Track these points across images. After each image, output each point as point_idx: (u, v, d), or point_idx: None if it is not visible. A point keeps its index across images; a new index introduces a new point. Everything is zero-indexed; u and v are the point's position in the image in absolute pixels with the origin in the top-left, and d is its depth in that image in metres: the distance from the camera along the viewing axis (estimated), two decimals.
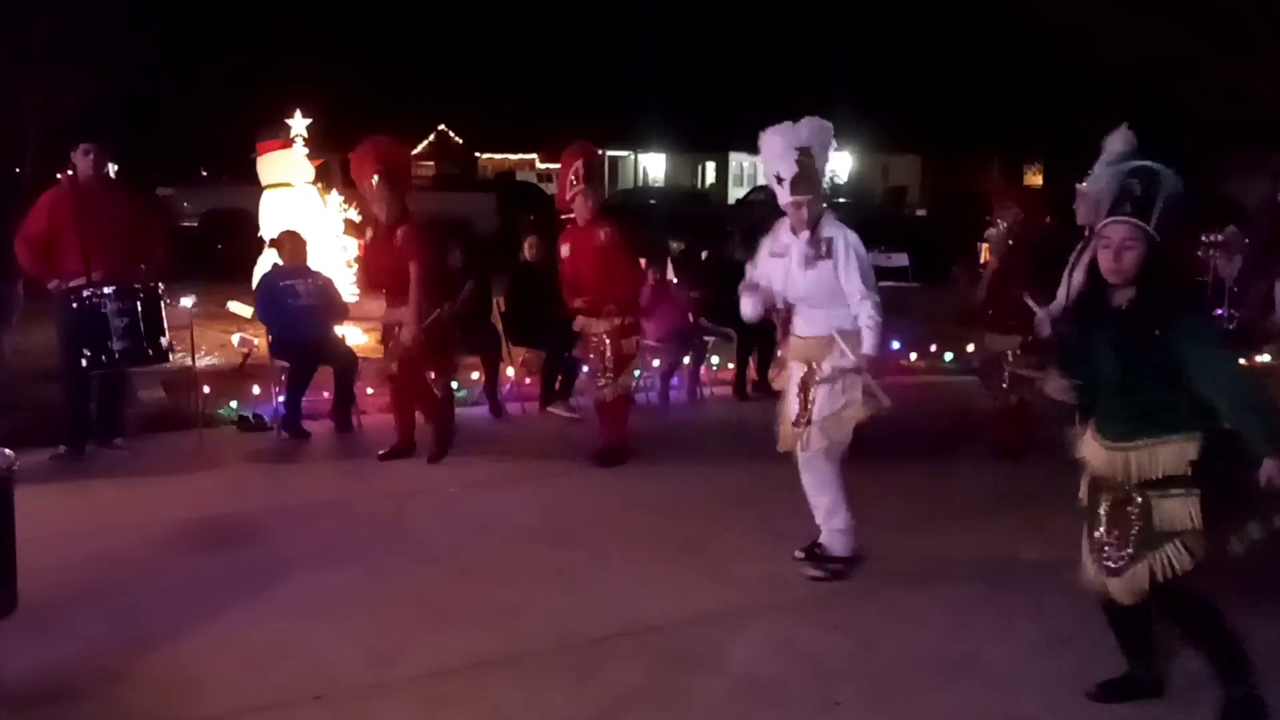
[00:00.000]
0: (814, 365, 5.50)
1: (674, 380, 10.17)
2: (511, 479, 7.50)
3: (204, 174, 28.71)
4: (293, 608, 5.13)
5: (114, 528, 6.26)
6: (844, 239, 5.45)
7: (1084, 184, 5.92)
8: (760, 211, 26.04)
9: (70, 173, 7.73)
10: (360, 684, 4.41)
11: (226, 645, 4.72)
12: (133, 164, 17.02)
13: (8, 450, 4.22)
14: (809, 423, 5.49)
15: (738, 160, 50.56)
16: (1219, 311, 8.34)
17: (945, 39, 32.35)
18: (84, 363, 7.32)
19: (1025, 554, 5.99)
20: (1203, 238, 9.11)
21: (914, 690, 4.44)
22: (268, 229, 11.13)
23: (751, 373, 10.39)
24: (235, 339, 10.49)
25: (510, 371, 9.68)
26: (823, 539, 5.64)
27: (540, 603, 5.25)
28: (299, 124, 11.64)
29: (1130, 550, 3.97)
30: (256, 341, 9.80)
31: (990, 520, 6.53)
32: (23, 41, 18.53)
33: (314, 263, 9.42)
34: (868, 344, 5.36)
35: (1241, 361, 4.30)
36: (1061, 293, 6.00)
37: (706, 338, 10.37)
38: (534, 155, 49.29)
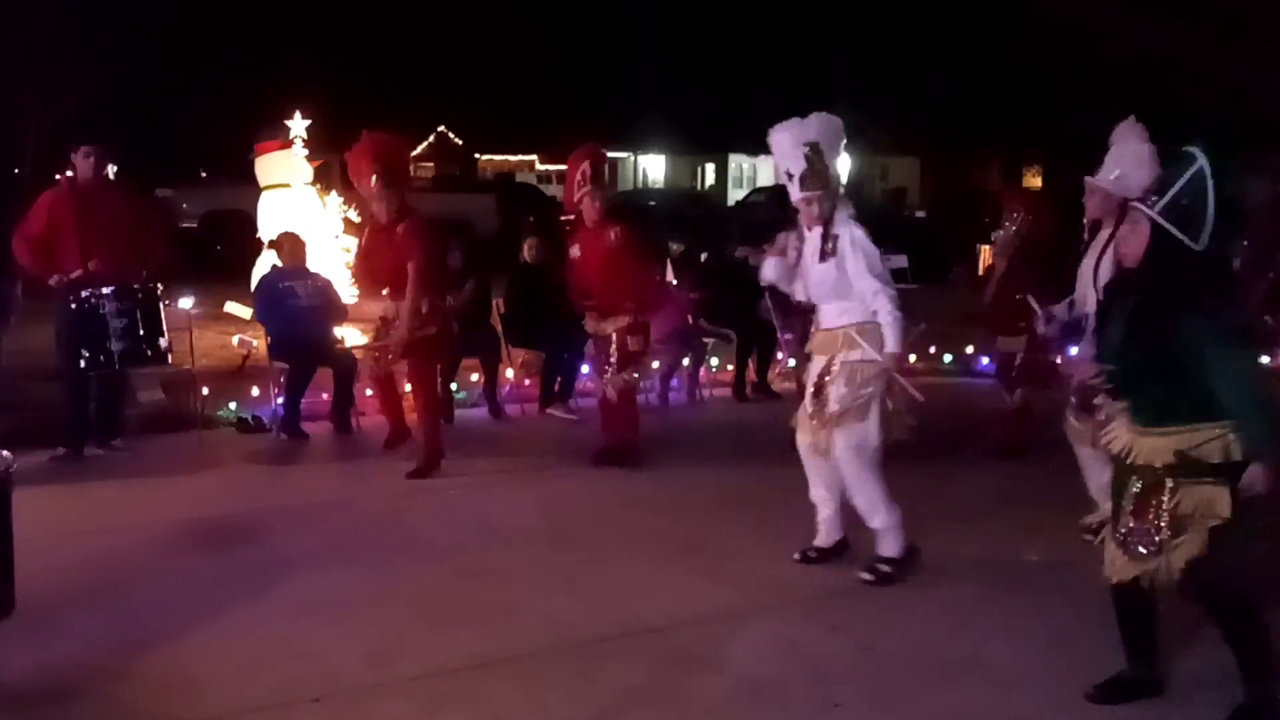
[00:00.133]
0: (831, 359, 5.49)
1: (673, 381, 10.17)
2: (511, 480, 7.49)
3: (203, 175, 28.72)
4: (292, 608, 5.12)
5: (113, 528, 6.26)
6: (849, 235, 5.42)
7: (1094, 176, 5.92)
8: (760, 213, 26.10)
9: (70, 173, 7.73)
10: (360, 684, 4.40)
11: (226, 645, 4.71)
12: (132, 164, 17.00)
13: (6, 451, 4.22)
14: (826, 422, 5.46)
15: (737, 162, 50.57)
16: None
17: (944, 40, 32.36)
18: (83, 363, 7.31)
19: (1026, 554, 6.00)
20: None
21: (914, 690, 4.43)
22: (266, 230, 11.14)
23: (751, 374, 10.39)
24: (235, 340, 10.49)
25: (509, 373, 9.68)
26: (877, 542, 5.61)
27: (540, 603, 5.25)
28: (298, 125, 11.64)
29: (1160, 537, 3.97)
30: (255, 343, 9.80)
31: (991, 521, 6.53)
32: (23, 42, 18.54)
33: (313, 264, 9.42)
34: (890, 341, 5.33)
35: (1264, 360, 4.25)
36: (1079, 288, 6.00)
37: (706, 339, 10.36)
38: (534, 156, 49.34)
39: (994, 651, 4.77)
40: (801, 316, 7.41)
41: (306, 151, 11.71)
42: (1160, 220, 3.90)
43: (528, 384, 9.73)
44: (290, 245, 9.04)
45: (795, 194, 5.55)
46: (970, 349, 11.23)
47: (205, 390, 8.67)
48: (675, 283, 10.57)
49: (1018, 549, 6.05)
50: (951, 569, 5.69)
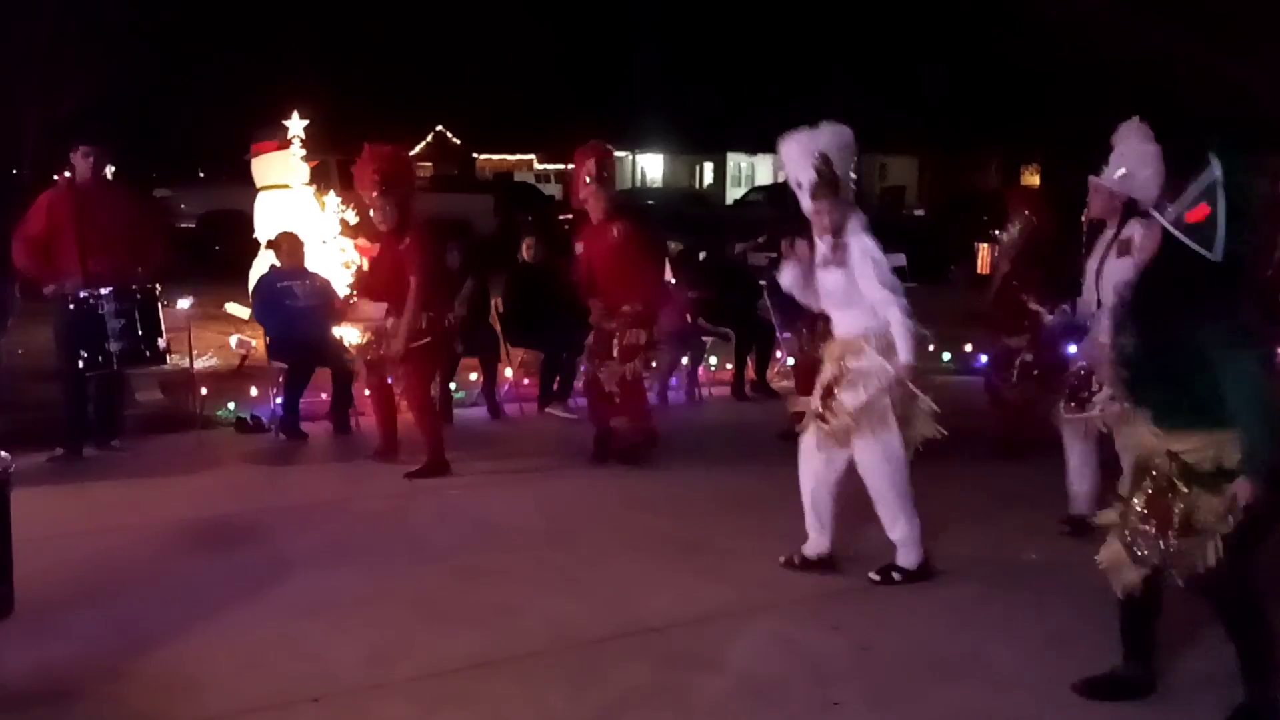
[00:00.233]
0: (842, 366, 5.48)
1: (673, 380, 10.17)
2: (510, 479, 7.49)
3: (201, 175, 28.67)
4: (291, 608, 5.12)
5: (112, 528, 6.25)
6: (858, 246, 5.42)
7: (1098, 176, 5.92)
8: (758, 212, 26.10)
9: (69, 174, 7.72)
10: (360, 684, 4.40)
11: (225, 645, 4.71)
12: (130, 165, 17.00)
13: (4, 452, 4.22)
14: (835, 419, 5.45)
15: (735, 161, 50.56)
16: None
17: (943, 39, 32.36)
18: (81, 364, 7.31)
19: (1026, 554, 6.00)
20: None
21: (914, 690, 4.43)
22: (262, 230, 11.13)
23: (750, 373, 10.39)
24: (233, 340, 10.48)
25: (509, 372, 9.68)
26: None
27: (540, 603, 5.25)
28: (296, 125, 11.62)
29: (1166, 542, 3.96)
30: (254, 343, 9.79)
31: (991, 520, 6.54)
32: (21, 42, 18.50)
33: (311, 264, 9.41)
34: (903, 351, 5.32)
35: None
36: (1085, 289, 6.00)
37: (705, 338, 10.37)
38: (532, 156, 49.26)
39: (993, 651, 4.77)
40: (806, 317, 7.42)
41: (304, 151, 11.69)
42: (1173, 230, 3.90)
43: (527, 383, 9.73)
44: (289, 245, 9.03)
45: (806, 203, 5.54)
46: (969, 347, 11.22)
47: (204, 390, 8.67)
48: (674, 282, 10.57)
49: (1017, 549, 6.06)
50: (951, 568, 5.69)
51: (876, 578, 5.52)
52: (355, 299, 8.78)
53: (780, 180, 38.37)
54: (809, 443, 5.62)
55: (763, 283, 10.48)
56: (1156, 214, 4.04)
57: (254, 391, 9.04)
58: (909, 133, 40.94)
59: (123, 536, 6.10)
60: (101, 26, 18.99)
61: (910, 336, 5.33)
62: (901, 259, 18.67)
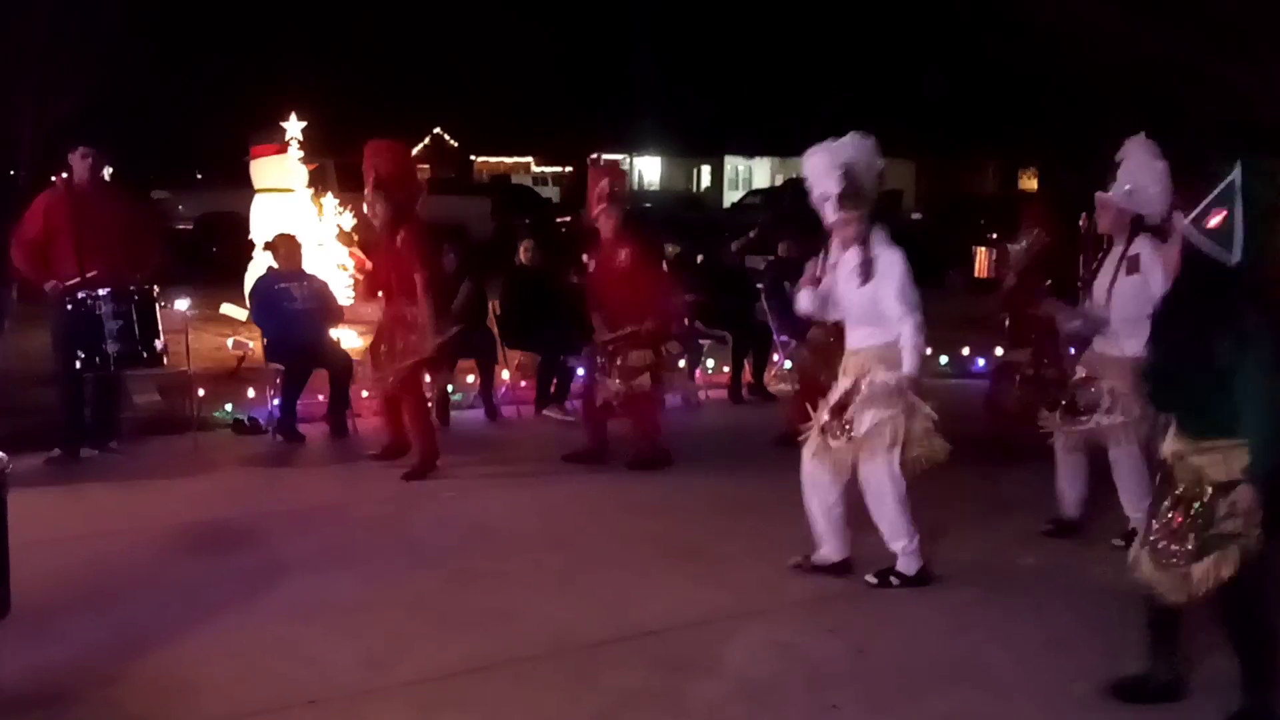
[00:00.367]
0: (859, 380, 5.47)
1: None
2: (507, 483, 7.49)
3: (199, 177, 28.66)
4: (288, 611, 5.12)
5: (109, 531, 6.24)
6: (887, 260, 5.43)
7: (1107, 193, 5.94)
8: (755, 216, 26.09)
9: (65, 175, 7.72)
10: (356, 688, 4.39)
11: (222, 649, 4.70)
12: (127, 166, 16.97)
13: (1, 454, 4.21)
14: (850, 440, 5.44)
15: (733, 164, 50.53)
16: None
17: (940, 43, 32.36)
18: (78, 366, 7.30)
19: (1024, 558, 6.00)
20: None
21: (911, 694, 4.43)
22: (258, 233, 11.13)
23: (746, 376, 10.40)
24: (230, 342, 10.48)
25: (505, 375, 9.67)
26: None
27: (536, 607, 5.24)
28: (293, 127, 11.62)
29: (1189, 548, 3.96)
30: (251, 344, 9.79)
31: (989, 524, 6.54)
32: (18, 44, 18.49)
33: (308, 266, 9.40)
34: (908, 364, 5.33)
35: None
36: (1096, 301, 6.01)
37: (701, 341, 10.37)
38: (530, 159, 49.29)
39: (991, 655, 4.77)
40: (806, 322, 7.43)
41: (302, 154, 11.69)
42: (1191, 235, 3.91)
43: (524, 386, 9.72)
44: (286, 247, 9.02)
45: (832, 214, 5.50)
46: (966, 351, 11.23)
47: (201, 392, 8.66)
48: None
49: (1014, 553, 6.06)
50: (949, 573, 5.69)
51: (874, 581, 5.52)
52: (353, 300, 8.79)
53: (777, 184, 38.47)
54: (810, 454, 5.61)
55: (759, 286, 10.50)
56: (1178, 221, 4.05)
57: (251, 393, 9.03)
58: (906, 136, 40.96)
59: (119, 539, 6.09)
60: (98, 28, 18.99)
61: (919, 353, 5.35)
62: None
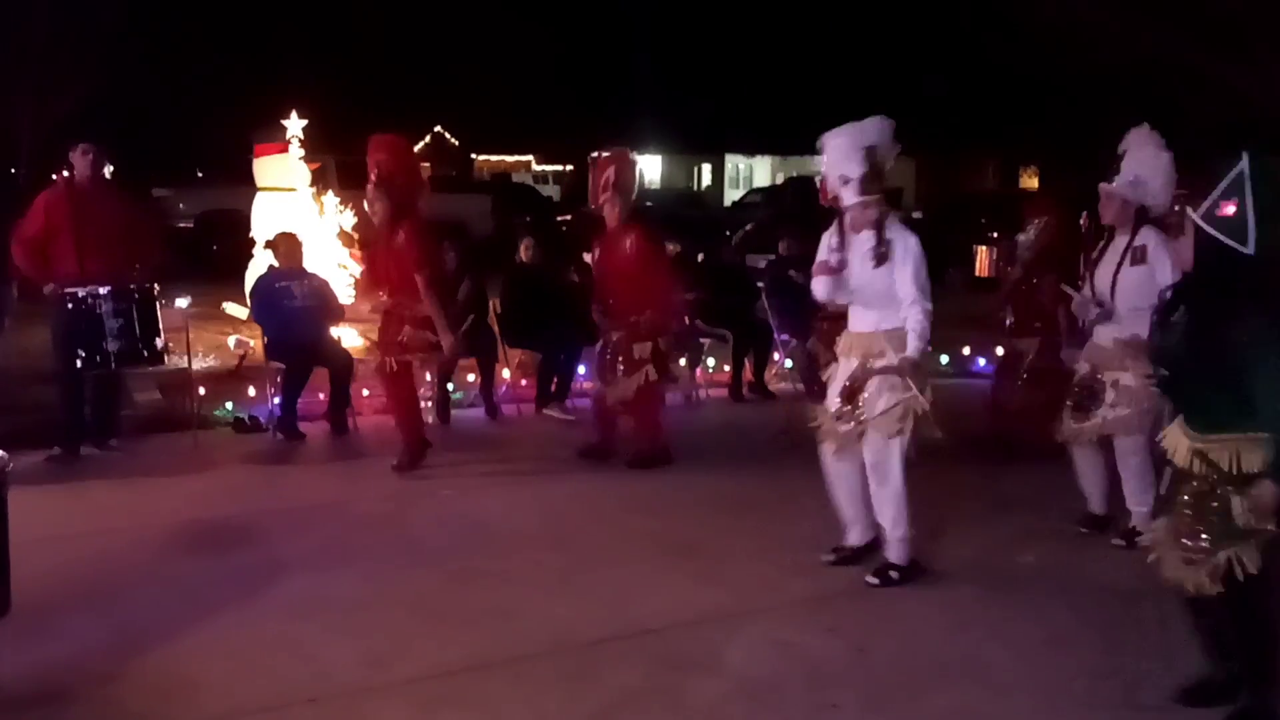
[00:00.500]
0: (868, 361, 5.45)
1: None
2: (507, 481, 7.49)
3: (199, 175, 28.64)
4: (288, 609, 5.12)
5: (109, 529, 6.25)
6: (904, 244, 5.41)
7: (1110, 184, 5.94)
8: (756, 214, 26.10)
9: (66, 173, 7.72)
10: (356, 686, 4.40)
11: (222, 647, 4.70)
12: (128, 164, 16.98)
13: (2, 452, 4.21)
14: (860, 422, 5.43)
15: (734, 162, 50.48)
16: None
17: (940, 42, 32.36)
18: (79, 364, 7.30)
19: (1023, 556, 6.00)
20: None
21: (911, 692, 4.43)
22: (259, 231, 11.13)
23: (747, 374, 10.39)
24: (231, 340, 10.48)
25: (506, 373, 9.67)
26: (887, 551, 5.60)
27: (536, 605, 5.24)
28: (294, 125, 11.62)
29: (1206, 543, 3.95)
30: (252, 343, 9.79)
31: (989, 522, 6.53)
32: (18, 42, 18.51)
33: (309, 264, 9.40)
34: (911, 347, 5.32)
35: None
36: (1099, 293, 6.01)
37: (702, 340, 10.37)
38: (530, 157, 49.26)
39: (991, 653, 4.77)
40: (810, 319, 7.42)
41: (303, 152, 11.69)
42: (1203, 225, 3.91)
43: (524, 384, 9.72)
44: (287, 246, 9.02)
45: (851, 198, 5.46)
46: (966, 350, 11.23)
47: (201, 390, 8.67)
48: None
49: (1014, 551, 6.05)
50: (949, 571, 5.69)
51: (874, 580, 5.52)
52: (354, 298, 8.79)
53: (778, 182, 38.44)
54: (830, 452, 5.60)
55: (760, 285, 10.49)
56: (1190, 213, 4.03)
57: (251, 392, 9.03)
58: (906, 135, 40.92)
59: (120, 537, 6.10)
60: (97, 27, 18.99)
61: (923, 338, 5.33)
62: None
